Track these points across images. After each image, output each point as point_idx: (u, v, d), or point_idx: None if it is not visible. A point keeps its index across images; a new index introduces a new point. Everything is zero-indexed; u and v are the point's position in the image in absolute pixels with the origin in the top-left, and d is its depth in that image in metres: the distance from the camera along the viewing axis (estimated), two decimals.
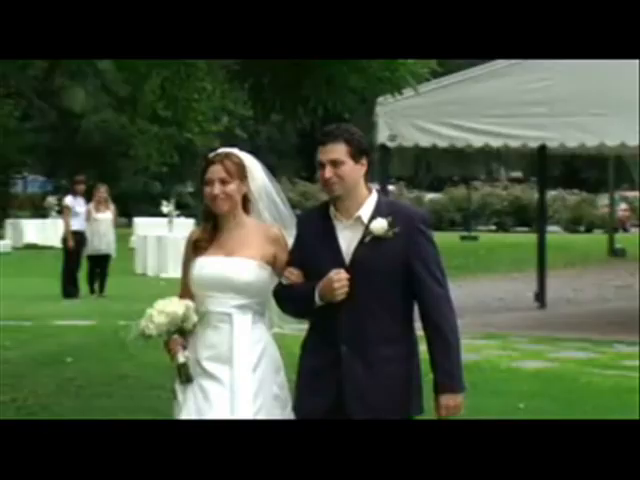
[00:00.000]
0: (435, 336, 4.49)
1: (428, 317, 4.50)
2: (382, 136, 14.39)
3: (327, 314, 4.47)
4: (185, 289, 4.80)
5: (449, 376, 4.43)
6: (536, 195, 21.25)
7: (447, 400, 4.39)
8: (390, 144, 14.52)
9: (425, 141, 14.53)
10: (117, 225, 19.67)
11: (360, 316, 4.45)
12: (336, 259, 4.49)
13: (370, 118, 14.86)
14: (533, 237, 18.58)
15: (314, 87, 9.14)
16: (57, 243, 21.67)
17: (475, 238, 35.14)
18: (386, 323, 4.48)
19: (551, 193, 34.44)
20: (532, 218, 34.00)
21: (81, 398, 9.19)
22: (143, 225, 30.69)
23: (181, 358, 4.60)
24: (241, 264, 4.68)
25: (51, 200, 35.31)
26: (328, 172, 4.51)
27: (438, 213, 42.50)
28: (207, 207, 4.79)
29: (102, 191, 18.92)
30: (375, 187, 4.72)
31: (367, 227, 4.49)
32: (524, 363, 11.23)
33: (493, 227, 42.10)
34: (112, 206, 18.99)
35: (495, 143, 14.38)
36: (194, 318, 4.66)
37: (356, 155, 4.52)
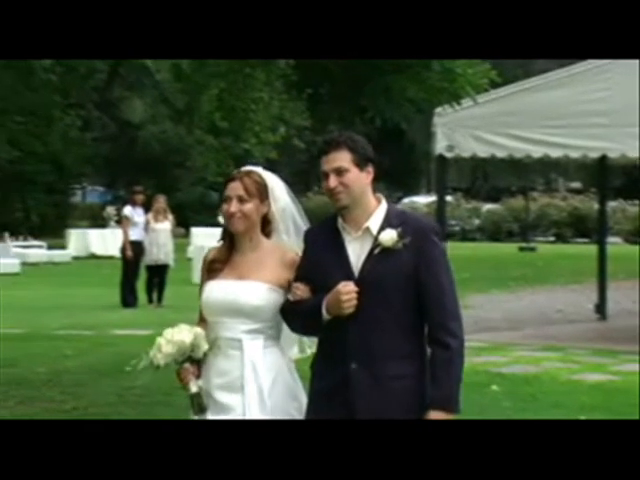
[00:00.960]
0: (439, 354, 4.27)
1: (435, 333, 4.31)
2: (440, 146, 14.32)
3: (335, 329, 4.30)
4: (202, 314, 4.65)
5: (446, 397, 4.21)
6: (596, 206, 21.04)
7: (438, 417, 4.15)
8: (448, 155, 14.44)
9: (483, 152, 14.44)
10: (175, 235, 19.76)
11: (370, 331, 4.27)
12: (344, 272, 4.33)
13: (427, 128, 14.79)
14: (592, 248, 18.39)
15: (372, 97, 9.13)
16: (116, 253, 21.83)
17: (533, 249, 34.87)
18: (397, 338, 4.30)
19: (611, 204, 34.08)
20: (591, 229, 33.70)
21: (141, 407, 9.22)
22: (200, 235, 30.84)
23: (193, 388, 4.46)
24: (250, 288, 4.49)
25: (110, 210, 35.57)
26: (332, 181, 4.34)
27: (496, 224, 42.26)
28: (225, 226, 4.63)
29: (161, 201, 19.00)
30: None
31: (376, 238, 4.32)
32: (584, 376, 11.09)
33: (552, 238, 41.75)
34: (170, 216, 19.07)
35: (555, 154, 14.24)
36: (204, 346, 4.49)
37: (361, 163, 4.36)
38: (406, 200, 44.90)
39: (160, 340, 4.49)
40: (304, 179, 43.76)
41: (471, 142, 14.25)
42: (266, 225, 4.61)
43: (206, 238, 27.36)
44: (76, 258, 30.16)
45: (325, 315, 4.30)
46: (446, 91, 9.11)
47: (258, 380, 4.43)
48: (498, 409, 9.07)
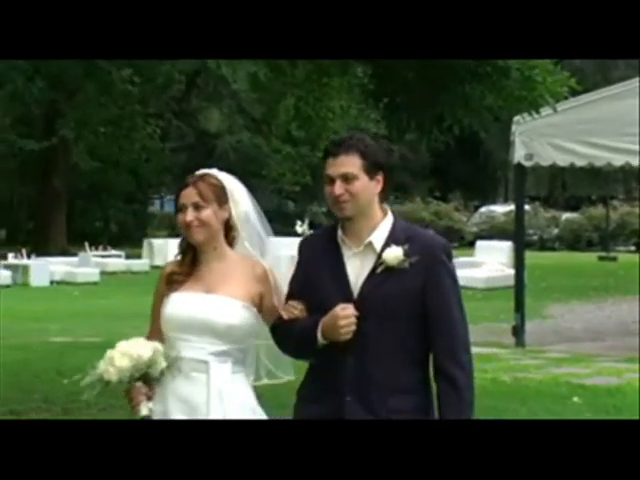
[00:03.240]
0: (448, 389, 3.83)
1: (442, 365, 3.87)
2: (518, 155, 14.17)
3: (331, 356, 3.86)
4: (154, 329, 4.13)
5: None
6: None
7: None
8: (526, 163, 14.29)
9: (563, 160, 14.26)
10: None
11: (369, 360, 3.84)
12: (343, 292, 3.88)
13: (505, 137, 14.65)
14: None
15: (450, 106, 9.06)
16: None
17: (614, 259, 34.40)
18: (399, 369, 3.86)
19: None
20: None
21: None
22: (277, 244, 30.84)
23: (144, 410, 3.98)
24: (223, 304, 4.03)
25: None
26: (339, 188, 3.89)
27: (575, 233, 41.78)
28: (184, 237, 4.18)
29: None
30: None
31: (379, 255, 3.87)
32: None
33: (632, 247, 41.14)
34: None
35: (636, 162, 14.01)
36: (162, 364, 4.00)
37: (371, 170, 3.91)
38: (483, 209, 44.62)
39: (113, 353, 4.00)
40: None
41: (550, 151, 14.08)
42: (229, 232, 4.17)
43: (282, 247, 27.33)
44: (154, 267, 30.41)
45: (320, 340, 3.86)
46: (525, 99, 9.01)
47: (224, 409, 3.96)
48: None
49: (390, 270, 3.85)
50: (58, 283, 25.05)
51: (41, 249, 29.58)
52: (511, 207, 29.65)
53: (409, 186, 45.23)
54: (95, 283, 25.35)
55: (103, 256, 29.93)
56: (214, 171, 4.19)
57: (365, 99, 11.50)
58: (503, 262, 23.69)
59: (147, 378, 4.01)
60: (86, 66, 13.64)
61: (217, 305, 4.02)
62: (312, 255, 4.02)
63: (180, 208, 4.10)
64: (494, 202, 49.39)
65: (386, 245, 3.89)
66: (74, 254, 29.12)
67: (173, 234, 39.65)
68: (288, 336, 4.00)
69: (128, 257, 31.06)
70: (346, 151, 3.89)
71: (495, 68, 8.66)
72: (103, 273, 26.77)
